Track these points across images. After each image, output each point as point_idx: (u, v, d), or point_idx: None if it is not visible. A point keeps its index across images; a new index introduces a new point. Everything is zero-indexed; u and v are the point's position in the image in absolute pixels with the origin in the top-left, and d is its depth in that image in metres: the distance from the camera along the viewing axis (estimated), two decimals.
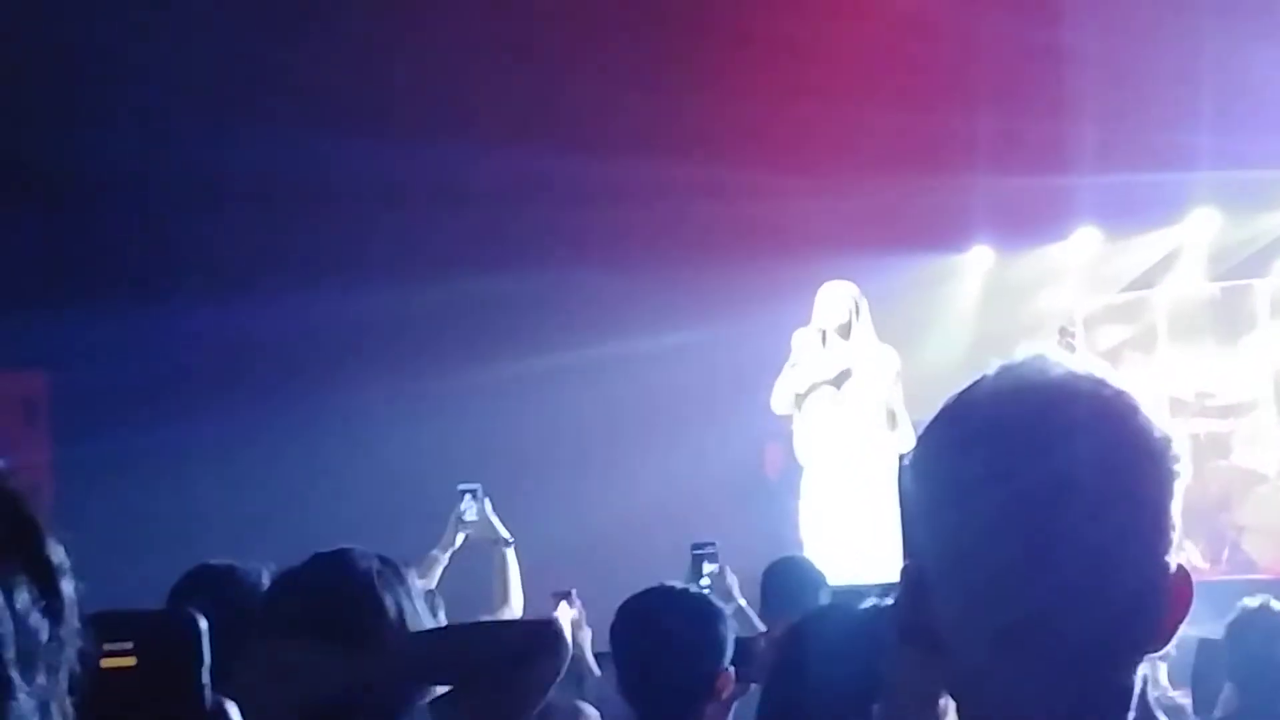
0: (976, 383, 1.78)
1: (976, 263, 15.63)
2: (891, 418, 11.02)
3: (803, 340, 11.26)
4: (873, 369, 11.14)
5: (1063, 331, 13.98)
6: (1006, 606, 1.70)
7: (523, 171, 13.76)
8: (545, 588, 8.06)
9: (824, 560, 9.47)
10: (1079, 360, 1.78)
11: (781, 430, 14.02)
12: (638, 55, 13.83)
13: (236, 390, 13.47)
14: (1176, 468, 1.73)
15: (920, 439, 1.79)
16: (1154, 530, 1.72)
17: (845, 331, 11.16)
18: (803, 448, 11.44)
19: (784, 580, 7.21)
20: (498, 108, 13.84)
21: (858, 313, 11.23)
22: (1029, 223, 14.49)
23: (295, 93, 13.34)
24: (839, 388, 11.14)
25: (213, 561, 4.28)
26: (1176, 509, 1.73)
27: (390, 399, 13.73)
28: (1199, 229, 14.42)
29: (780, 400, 11.31)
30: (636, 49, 13.83)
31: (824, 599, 6.65)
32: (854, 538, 10.46)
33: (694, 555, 8.26)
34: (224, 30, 13.17)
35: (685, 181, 13.78)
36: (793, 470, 13.41)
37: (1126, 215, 14.18)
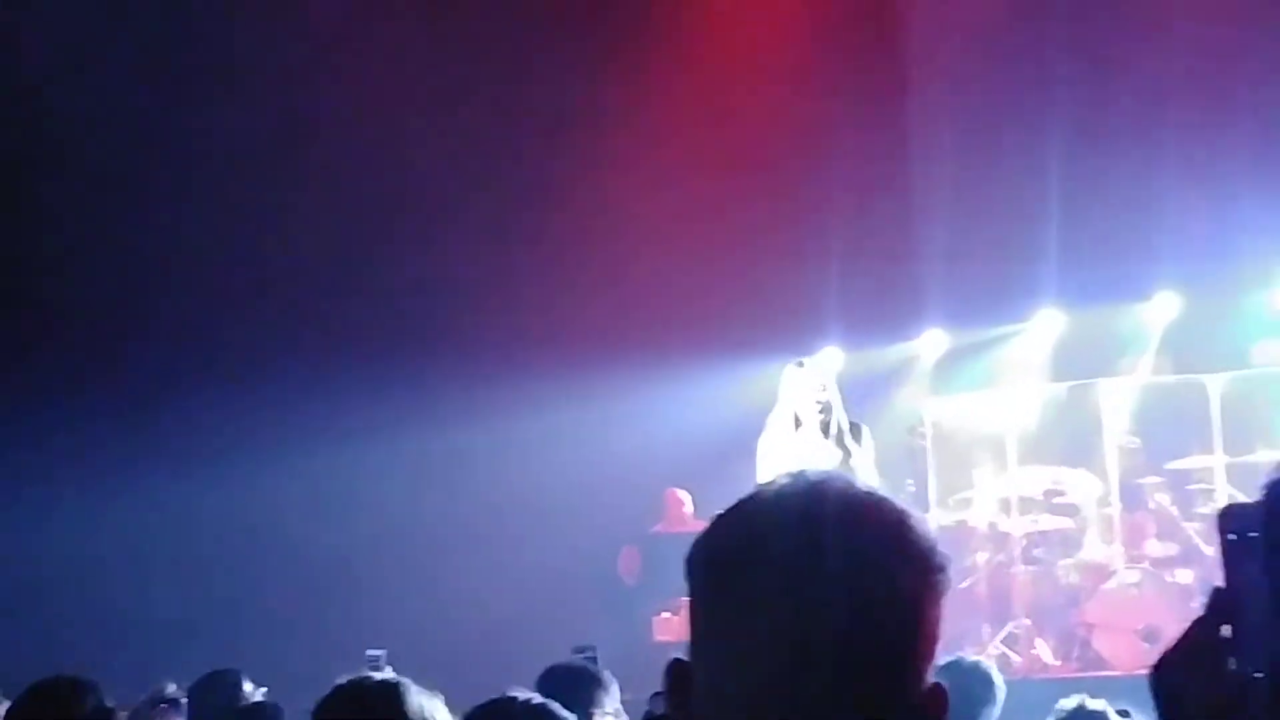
0: (749, 495, 1.81)
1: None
2: None
3: (775, 426, 10.40)
4: (858, 457, 10.32)
5: (912, 432, 14.10)
6: (754, 711, 1.70)
7: (382, 263, 13.70)
8: None
9: None
10: (854, 473, 1.82)
11: (638, 534, 14.01)
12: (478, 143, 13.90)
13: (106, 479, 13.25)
14: (941, 579, 1.74)
15: (694, 545, 1.82)
16: (909, 641, 1.71)
17: (821, 414, 10.29)
18: None
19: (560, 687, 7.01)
20: (375, 194, 13.81)
21: (833, 394, 10.42)
22: (877, 323, 14.65)
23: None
24: None
25: (61, 675, 4.22)
26: (937, 621, 1.73)
27: (240, 499, 13.54)
28: (1045, 329, 14.64)
29: None
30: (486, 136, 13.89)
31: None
32: None
33: (576, 653, 8.10)
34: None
35: (539, 279, 13.78)
36: (650, 573, 13.37)
37: (973, 316, 14.37)
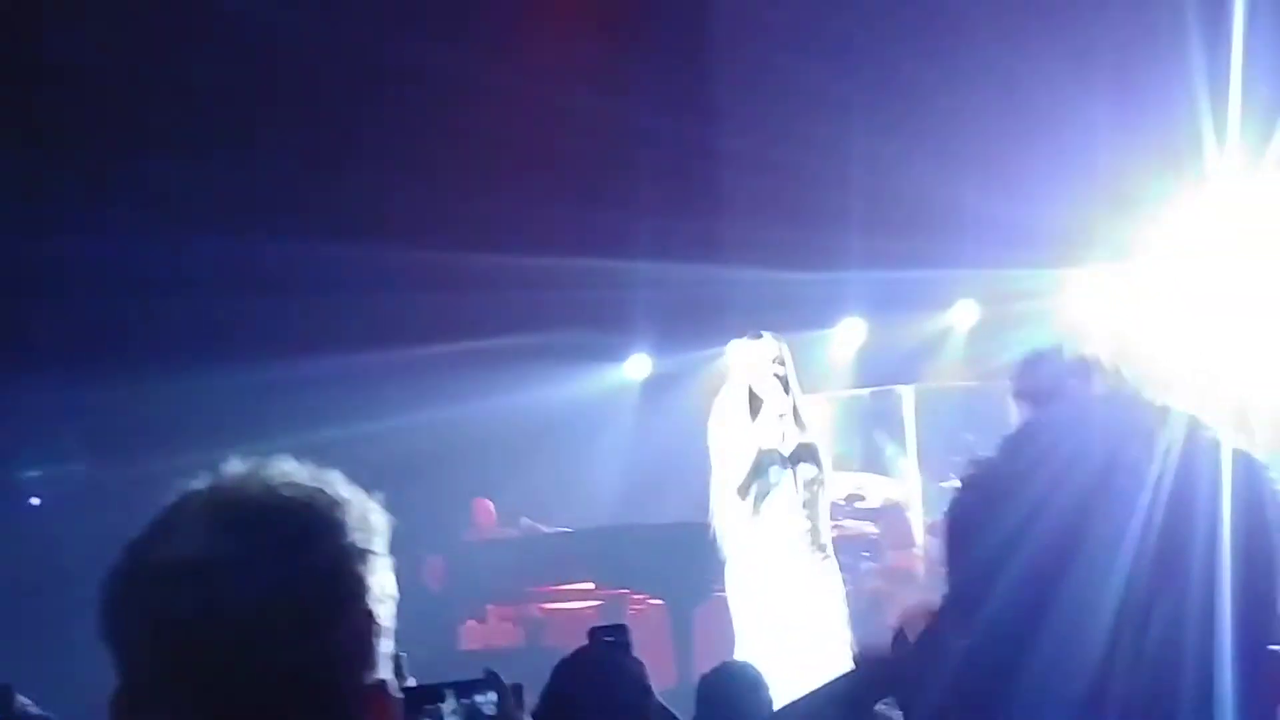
0: (161, 516, 1.74)
1: (635, 371, 15.80)
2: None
3: (727, 407, 9.46)
4: (819, 439, 9.55)
5: None
6: None
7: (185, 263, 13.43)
8: None
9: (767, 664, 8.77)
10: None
11: (444, 543, 13.89)
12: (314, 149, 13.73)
13: None
14: (353, 577, 1.70)
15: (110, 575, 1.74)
16: (322, 659, 1.68)
17: (779, 392, 9.34)
18: (744, 534, 9.33)
19: None
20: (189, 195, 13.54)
21: (788, 370, 9.47)
22: (684, 330, 14.71)
23: None
24: (793, 464, 9.29)
25: None
26: (365, 623, 1.70)
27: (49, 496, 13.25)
28: (848, 336, 14.80)
29: (733, 490, 9.23)
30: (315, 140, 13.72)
31: None
32: (802, 636, 9.07)
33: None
34: None
35: (338, 282, 13.61)
36: (456, 582, 13.25)
37: (779, 323, 14.47)
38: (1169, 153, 11.99)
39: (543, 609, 13.74)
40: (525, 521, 14.39)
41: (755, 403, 9.35)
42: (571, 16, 14.67)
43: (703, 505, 12.70)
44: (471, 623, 13.80)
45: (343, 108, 13.83)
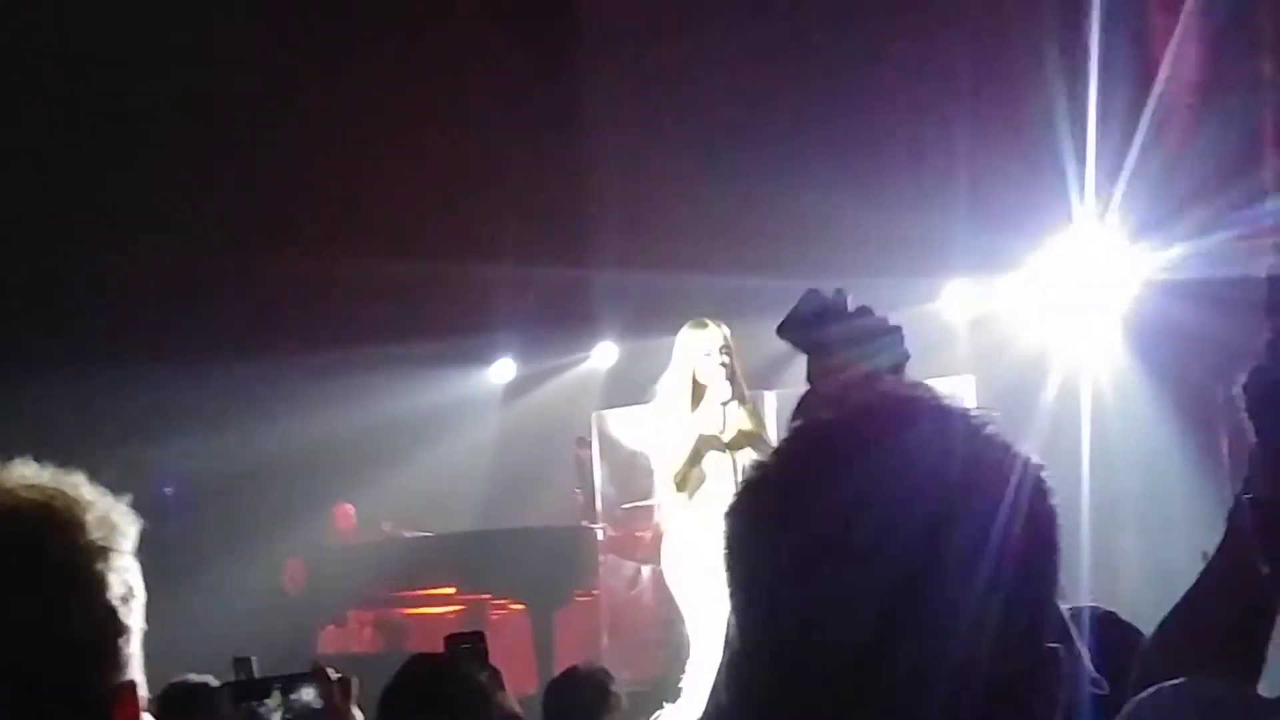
0: None
1: (498, 375, 15.78)
2: None
3: (671, 395, 9.23)
4: (767, 430, 9.34)
5: (580, 442, 14.15)
6: None
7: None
8: None
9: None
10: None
11: (306, 543, 13.78)
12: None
13: None
14: (107, 598, 1.71)
15: None
16: (75, 656, 1.68)
17: (722, 379, 9.10)
18: (683, 523, 9.08)
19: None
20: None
21: (733, 357, 9.23)
22: (550, 335, 14.72)
23: None
24: (733, 452, 9.04)
25: None
26: (120, 635, 1.71)
27: None
28: None
29: (671, 478, 8.99)
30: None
31: None
32: None
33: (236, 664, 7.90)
34: None
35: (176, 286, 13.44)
36: (315, 585, 13.14)
37: (644, 328, 14.53)
38: (1029, 172, 12.15)
39: (403, 614, 13.67)
40: (386, 526, 14.31)
41: (698, 390, 9.15)
42: (432, 22, 14.60)
43: (564, 509, 12.69)
44: (331, 627, 13.71)
45: (200, 112, 13.66)
